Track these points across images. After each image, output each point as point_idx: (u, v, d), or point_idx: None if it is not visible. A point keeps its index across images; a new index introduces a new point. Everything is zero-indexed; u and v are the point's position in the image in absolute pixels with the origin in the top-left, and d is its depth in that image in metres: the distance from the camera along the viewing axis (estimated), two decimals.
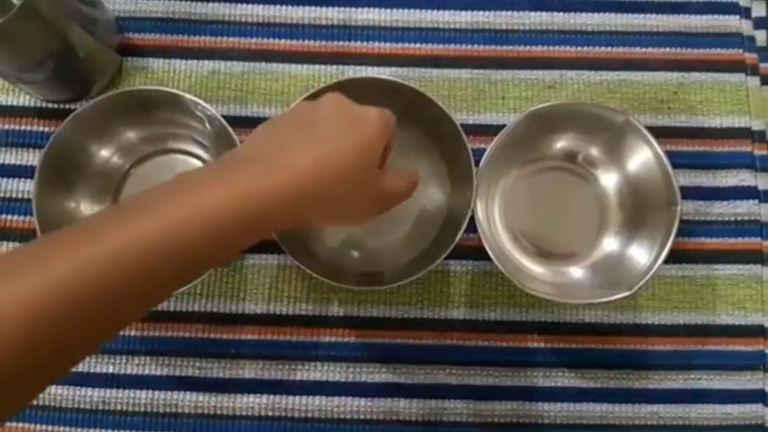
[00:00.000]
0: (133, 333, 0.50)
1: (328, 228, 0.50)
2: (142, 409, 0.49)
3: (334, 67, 0.54)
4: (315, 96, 0.46)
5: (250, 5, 0.55)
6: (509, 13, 0.55)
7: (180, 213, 0.29)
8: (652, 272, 0.44)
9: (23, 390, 0.27)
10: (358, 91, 0.47)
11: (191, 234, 0.28)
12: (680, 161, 0.51)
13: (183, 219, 0.28)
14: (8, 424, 0.49)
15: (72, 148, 0.48)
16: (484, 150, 0.47)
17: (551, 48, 0.54)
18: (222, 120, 0.46)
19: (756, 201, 0.52)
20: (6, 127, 0.53)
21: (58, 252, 0.27)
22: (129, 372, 0.49)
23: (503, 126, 0.47)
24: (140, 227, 0.28)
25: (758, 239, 0.52)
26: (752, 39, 0.55)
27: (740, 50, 0.55)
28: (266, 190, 0.30)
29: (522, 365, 0.50)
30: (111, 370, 0.49)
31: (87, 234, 0.28)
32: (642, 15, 0.55)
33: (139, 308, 0.30)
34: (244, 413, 0.49)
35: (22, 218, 0.52)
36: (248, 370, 0.50)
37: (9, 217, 0.52)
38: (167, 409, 0.49)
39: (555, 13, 0.55)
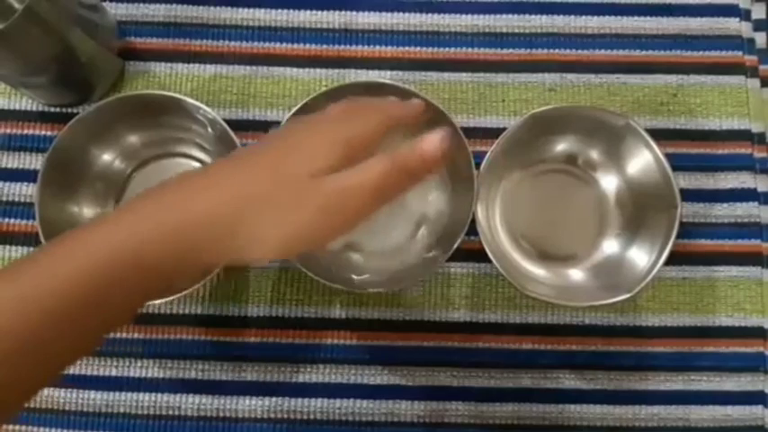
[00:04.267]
0: (136, 336, 0.50)
1: None
2: (145, 412, 0.49)
3: (336, 70, 0.54)
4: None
5: (251, 9, 0.55)
6: (509, 16, 0.55)
7: (96, 249, 0.27)
8: (652, 274, 0.44)
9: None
10: (359, 95, 0.48)
11: (107, 271, 0.27)
12: (680, 163, 0.51)
13: (102, 256, 0.27)
14: (11, 427, 0.49)
15: (74, 152, 0.48)
16: (485, 153, 0.47)
17: (551, 51, 0.55)
18: (224, 123, 0.47)
19: (756, 203, 0.52)
20: (8, 131, 0.53)
21: None
22: (131, 374, 0.50)
23: (503, 129, 0.47)
24: (52, 267, 0.27)
25: (758, 241, 0.52)
26: (752, 41, 0.55)
27: (740, 53, 0.55)
28: (174, 218, 0.28)
29: (523, 367, 0.50)
30: (113, 373, 0.50)
31: (8, 275, 0.27)
32: (642, 18, 0.55)
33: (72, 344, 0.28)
34: (246, 415, 0.49)
35: (24, 221, 0.52)
36: (250, 372, 0.50)
37: (11, 221, 0.52)
38: (170, 412, 0.49)
39: (555, 17, 0.55)
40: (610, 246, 0.50)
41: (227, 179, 0.30)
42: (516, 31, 0.55)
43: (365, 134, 0.30)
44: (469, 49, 0.55)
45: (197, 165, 0.52)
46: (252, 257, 0.29)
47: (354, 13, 0.55)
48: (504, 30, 0.55)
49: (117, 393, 0.49)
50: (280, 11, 0.55)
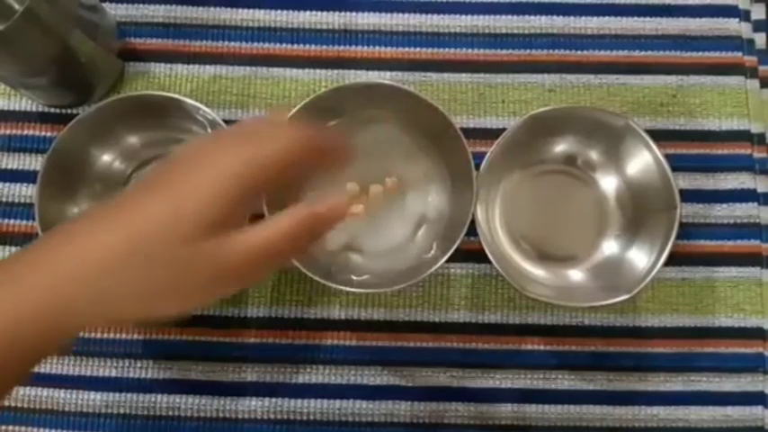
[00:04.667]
0: (136, 336, 0.50)
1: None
2: (145, 413, 0.49)
3: (335, 71, 0.54)
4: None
5: (251, 10, 0.55)
6: (509, 16, 0.55)
7: None
8: (652, 275, 0.44)
9: None
10: (358, 95, 0.48)
11: None
12: (679, 164, 0.51)
13: None
14: (10, 427, 0.49)
15: (74, 152, 0.48)
16: (484, 154, 0.47)
17: (551, 51, 0.55)
18: (223, 124, 0.47)
19: (756, 203, 0.52)
20: (8, 132, 0.53)
21: None
22: (131, 375, 0.50)
23: (503, 130, 0.47)
24: None
25: (758, 242, 0.52)
26: (751, 41, 0.55)
27: (739, 53, 0.55)
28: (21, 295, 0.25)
29: (523, 368, 0.50)
30: (113, 373, 0.50)
31: None
32: (641, 19, 0.55)
33: None
34: (246, 416, 0.49)
35: (24, 222, 0.52)
36: (250, 373, 0.50)
37: (11, 221, 0.52)
38: (170, 413, 0.49)
39: (555, 17, 0.55)
40: (609, 246, 0.50)
41: (98, 237, 0.26)
42: (516, 31, 0.55)
43: (268, 163, 0.26)
44: (469, 50, 0.55)
45: None
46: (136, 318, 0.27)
47: (354, 13, 0.55)
48: (504, 30, 0.55)
49: (117, 394, 0.49)
50: (280, 11, 0.55)
